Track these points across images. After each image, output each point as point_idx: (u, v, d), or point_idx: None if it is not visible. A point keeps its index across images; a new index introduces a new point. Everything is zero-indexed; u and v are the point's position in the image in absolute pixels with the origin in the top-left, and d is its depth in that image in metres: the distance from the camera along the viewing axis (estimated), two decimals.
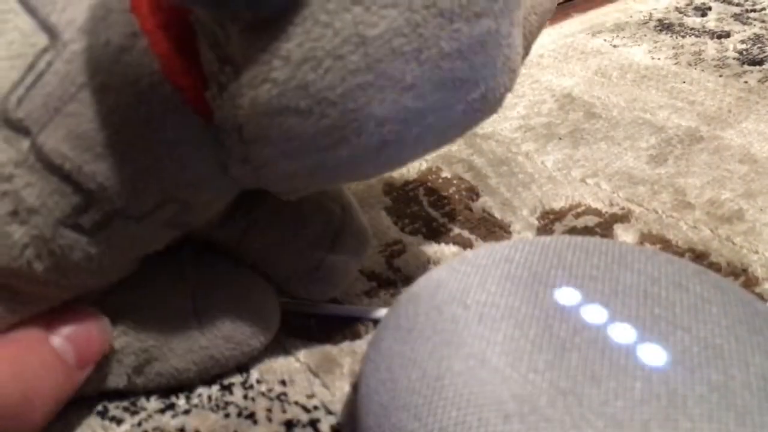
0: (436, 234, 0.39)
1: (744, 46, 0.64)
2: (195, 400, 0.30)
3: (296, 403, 0.29)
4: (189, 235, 0.26)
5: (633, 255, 0.27)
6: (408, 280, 0.36)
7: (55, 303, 0.26)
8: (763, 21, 0.69)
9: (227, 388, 0.30)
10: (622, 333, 0.23)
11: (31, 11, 0.22)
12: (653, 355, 0.22)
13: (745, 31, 0.67)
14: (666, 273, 0.26)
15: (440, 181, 0.44)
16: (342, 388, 0.30)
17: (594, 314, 0.24)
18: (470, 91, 0.23)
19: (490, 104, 0.24)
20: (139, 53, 0.21)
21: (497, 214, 0.41)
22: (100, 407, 0.29)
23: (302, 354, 0.32)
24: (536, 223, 0.41)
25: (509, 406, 0.21)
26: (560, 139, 0.49)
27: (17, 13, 0.22)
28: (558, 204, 0.42)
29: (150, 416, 0.29)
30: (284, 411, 0.29)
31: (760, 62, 0.61)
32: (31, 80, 0.21)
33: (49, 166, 0.22)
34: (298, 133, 0.21)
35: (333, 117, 0.21)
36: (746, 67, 0.60)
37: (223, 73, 0.21)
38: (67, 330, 0.26)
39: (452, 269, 0.27)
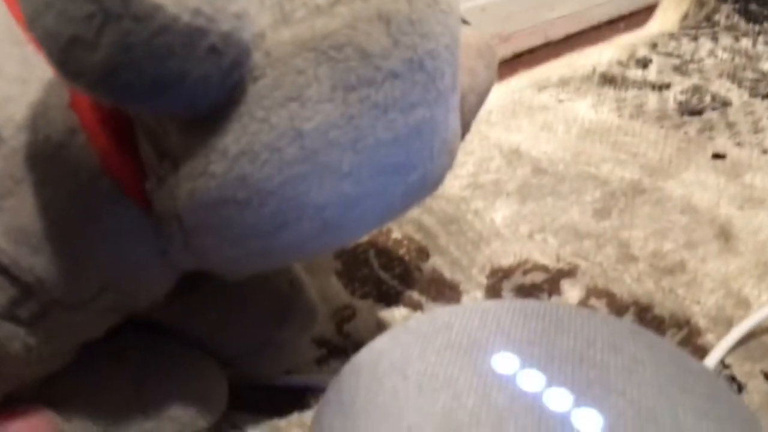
0: (387, 297, 0.40)
1: (683, 97, 0.66)
2: None
3: None
4: (131, 316, 0.26)
5: (570, 317, 0.28)
6: (358, 345, 0.35)
7: None
8: (701, 71, 0.72)
9: None
10: (559, 399, 0.24)
11: None
12: (589, 420, 0.23)
13: (684, 82, 0.69)
14: (602, 334, 0.27)
15: (390, 242, 0.45)
16: None
17: (531, 380, 0.24)
18: (408, 174, 0.24)
19: (429, 185, 0.25)
20: (78, 148, 0.21)
21: (447, 274, 0.42)
22: None
23: (250, 428, 0.32)
24: (485, 281, 0.41)
25: None
26: (508, 195, 0.50)
27: None
28: (507, 261, 0.43)
29: None
30: None
31: (699, 112, 0.63)
32: None
33: None
34: (237, 221, 0.22)
35: (272, 205, 0.21)
36: (686, 118, 0.62)
37: (162, 167, 0.21)
38: (16, 428, 0.26)
39: (394, 338, 0.28)
